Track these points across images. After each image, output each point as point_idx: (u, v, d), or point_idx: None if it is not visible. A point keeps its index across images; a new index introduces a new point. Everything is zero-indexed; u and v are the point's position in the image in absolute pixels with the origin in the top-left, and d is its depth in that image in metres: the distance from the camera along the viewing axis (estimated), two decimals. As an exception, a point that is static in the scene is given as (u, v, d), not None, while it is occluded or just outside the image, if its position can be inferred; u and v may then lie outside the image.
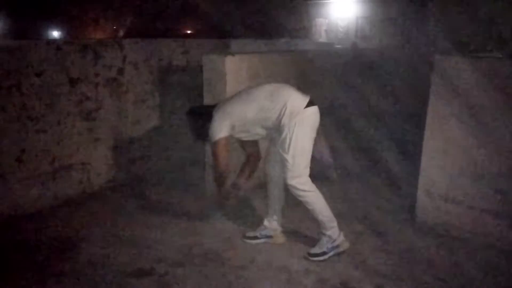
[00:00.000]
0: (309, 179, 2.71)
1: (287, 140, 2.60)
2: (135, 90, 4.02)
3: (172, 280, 2.54)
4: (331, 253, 2.75)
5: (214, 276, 2.59)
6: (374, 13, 17.62)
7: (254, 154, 2.93)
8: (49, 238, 3.00)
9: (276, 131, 2.68)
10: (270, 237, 2.97)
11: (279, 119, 2.62)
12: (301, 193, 2.68)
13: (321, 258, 2.74)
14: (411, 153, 2.95)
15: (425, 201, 3.14)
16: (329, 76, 4.65)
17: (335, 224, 2.78)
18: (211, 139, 2.72)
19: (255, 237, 2.98)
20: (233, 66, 3.36)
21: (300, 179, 2.67)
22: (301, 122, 2.60)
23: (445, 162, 3.01)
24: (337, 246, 2.77)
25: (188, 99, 4.20)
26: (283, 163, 2.67)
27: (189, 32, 20.12)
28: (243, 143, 2.91)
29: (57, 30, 20.54)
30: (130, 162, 4.07)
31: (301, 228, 3.17)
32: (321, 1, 18.76)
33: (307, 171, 2.69)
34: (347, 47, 6.38)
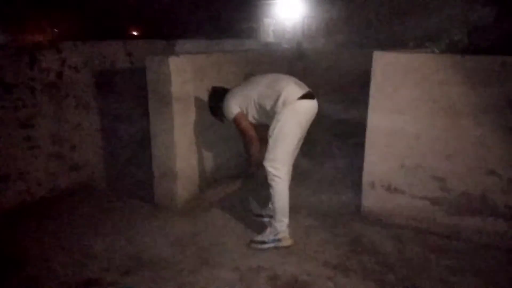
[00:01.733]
0: (284, 167, 2.81)
1: (274, 125, 2.75)
2: (76, 94, 3.86)
3: (122, 289, 2.47)
4: (270, 244, 2.85)
5: (165, 282, 2.54)
6: (320, 13, 18.05)
7: (264, 138, 2.98)
8: (-14, 255, 2.82)
9: (272, 118, 2.81)
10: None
11: (274, 106, 2.76)
12: (272, 177, 2.80)
13: (259, 246, 2.86)
14: (358, 147, 3.05)
15: (370, 192, 3.26)
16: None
17: (285, 219, 2.86)
18: (229, 119, 2.97)
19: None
20: (178, 67, 3.31)
21: (275, 164, 2.78)
22: (291, 111, 2.72)
23: (386, 154, 3.14)
24: (279, 240, 2.85)
25: (133, 101, 4.10)
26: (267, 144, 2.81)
27: (135, 33, 19.61)
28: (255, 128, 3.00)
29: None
30: (73, 169, 3.90)
31: (251, 224, 3.19)
32: (268, 2, 18.95)
33: (284, 159, 2.80)
34: (292, 46, 6.47)
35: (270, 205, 3.09)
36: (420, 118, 2.98)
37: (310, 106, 2.80)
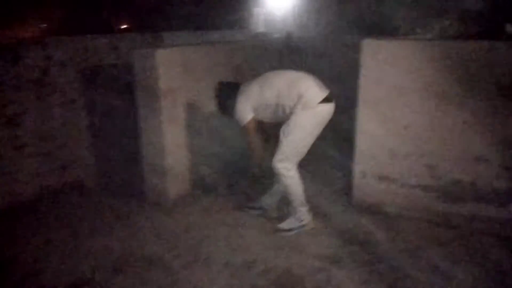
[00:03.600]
0: (294, 165, 2.85)
1: (291, 125, 2.73)
2: (63, 91, 3.80)
3: (113, 288, 2.45)
4: (297, 231, 2.96)
5: (157, 280, 2.52)
6: (310, 2, 17.91)
7: (275, 134, 2.98)
8: (-26, 257, 2.79)
9: (287, 117, 2.78)
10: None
11: (293, 107, 2.72)
12: (284, 178, 2.85)
13: (288, 233, 2.94)
14: (349, 138, 3.03)
15: (361, 182, 3.25)
16: (263, 66, 4.65)
17: (304, 208, 2.98)
18: (239, 123, 2.88)
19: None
20: (165, 60, 3.25)
21: (286, 164, 2.81)
22: (311, 115, 2.72)
23: (377, 143, 3.12)
24: (303, 226, 2.97)
25: (121, 96, 4.04)
26: (278, 144, 2.79)
27: (124, 27, 19.38)
28: (264, 125, 3.00)
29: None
30: (62, 168, 3.85)
31: (242, 219, 3.17)
32: (258, -9, 18.78)
33: (295, 159, 2.84)
34: (282, 36, 6.42)
35: (263, 198, 3.22)
36: (410, 106, 2.96)
37: (329, 110, 2.79)
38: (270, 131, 3.07)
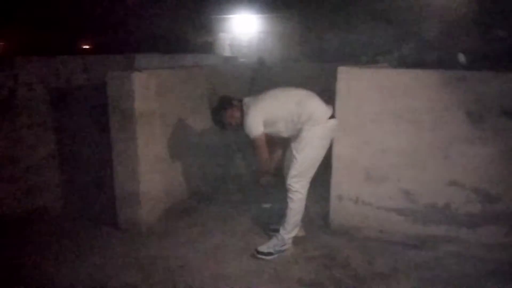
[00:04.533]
0: (307, 183, 2.91)
1: (303, 142, 2.81)
2: (31, 112, 3.64)
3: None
4: (276, 255, 2.93)
5: (134, 308, 2.41)
6: (275, 28, 18.38)
7: (280, 144, 3.10)
8: None
9: (297, 132, 2.86)
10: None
11: (302, 123, 2.82)
12: (294, 193, 2.88)
13: (267, 257, 2.90)
14: (325, 162, 3.08)
15: (338, 205, 3.28)
16: (237, 90, 4.69)
17: (295, 232, 3.00)
18: (249, 135, 2.86)
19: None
20: (141, 83, 3.21)
21: (301, 181, 2.87)
22: (321, 131, 2.83)
23: (353, 167, 3.18)
24: (283, 251, 2.96)
25: (92, 119, 3.92)
26: (291, 160, 2.85)
27: (87, 47, 19.02)
28: (271, 139, 3.01)
29: None
30: (27, 193, 3.65)
31: (220, 245, 3.11)
32: (224, 17, 19.08)
33: (309, 176, 2.90)
34: (253, 61, 6.52)
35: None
36: (385, 131, 3.05)
37: (335, 125, 2.94)
38: (276, 145, 3.12)
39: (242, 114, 2.92)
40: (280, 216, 3.06)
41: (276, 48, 18.05)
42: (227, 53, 17.57)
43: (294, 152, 2.85)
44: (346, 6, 13.73)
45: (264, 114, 2.87)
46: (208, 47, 18.15)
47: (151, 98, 3.31)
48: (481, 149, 2.81)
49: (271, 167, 3.12)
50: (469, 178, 2.87)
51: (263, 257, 2.91)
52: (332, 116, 2.91)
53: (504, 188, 2.80)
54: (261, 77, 5.10)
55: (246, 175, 4.53)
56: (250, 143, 2.95)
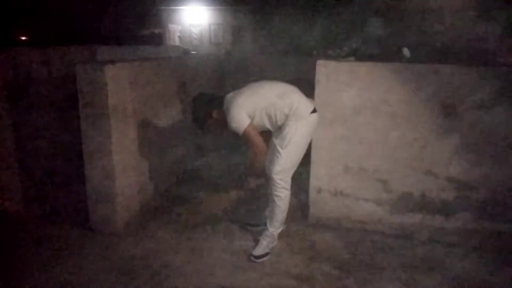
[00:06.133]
0: (290, 179, 2.89)
1: (287, 138, 2.77)
2: (-15, 108, 3.34)
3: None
4: (270, 253, 2.91)
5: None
6: (226, 21, 18.23)
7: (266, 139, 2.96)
8: None
9: (279, 127, 2.84)
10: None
11: (285, 117, 2.78)
12: (279, 189, 2.86)
13: (265, 258, 2.87)
14: (304, 155, 3.09)
15: (317, 197, 3.32)
16: (210, 83, 4.60)
17: (282, 227, 3.01)
18: (238, 131, 2.77)
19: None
20: (114, 76, 3.03)
21: (285, 176, 2.84)
22: (304, 125, 2.80)
23: (331, 159, 3.23)
24: (273, 247, 2.97)
25: (54, 114, 3.68)
26: (275, 156, 2.81)
27: (24, 38, 17.77)
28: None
29: None
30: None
31: (200, 242, 3.04)
32: (173, 8, 18.61)
33: (292, 172, 2.89)
34: (220, 54, 6.44)
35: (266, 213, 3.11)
36: (363, 123, 3.12)
37: (317, 119, 2.90)
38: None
39: (225, 116, 2.82)
40: (256, 210, 3.04)
41: (228, 41, 17.94)
42: (176, 44, 17.19)
43: (278, 147, 2.81)
44: (297, 1, 13.93)
45: (247, 108, 2.80)
46: (156, 39, 17.65)
47: (124, 92, 3.14)
48: (456, 140, 2.95)
49: (266, 152, 2.96)
50: (443, 168, 3.01)
51: (262, 259, 2.85)
52: (314, 111, 2.89)
53: (476, 177, 2.96)
54: (229, 70, 5.05)
55: (220, 170, 4.47)
56: (241, 139, 2.84)
